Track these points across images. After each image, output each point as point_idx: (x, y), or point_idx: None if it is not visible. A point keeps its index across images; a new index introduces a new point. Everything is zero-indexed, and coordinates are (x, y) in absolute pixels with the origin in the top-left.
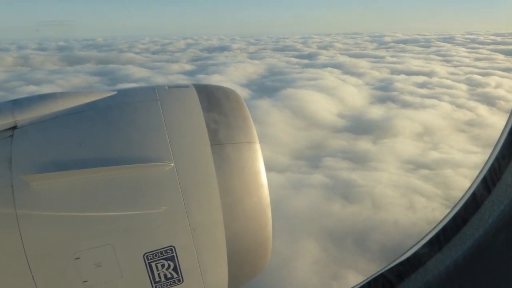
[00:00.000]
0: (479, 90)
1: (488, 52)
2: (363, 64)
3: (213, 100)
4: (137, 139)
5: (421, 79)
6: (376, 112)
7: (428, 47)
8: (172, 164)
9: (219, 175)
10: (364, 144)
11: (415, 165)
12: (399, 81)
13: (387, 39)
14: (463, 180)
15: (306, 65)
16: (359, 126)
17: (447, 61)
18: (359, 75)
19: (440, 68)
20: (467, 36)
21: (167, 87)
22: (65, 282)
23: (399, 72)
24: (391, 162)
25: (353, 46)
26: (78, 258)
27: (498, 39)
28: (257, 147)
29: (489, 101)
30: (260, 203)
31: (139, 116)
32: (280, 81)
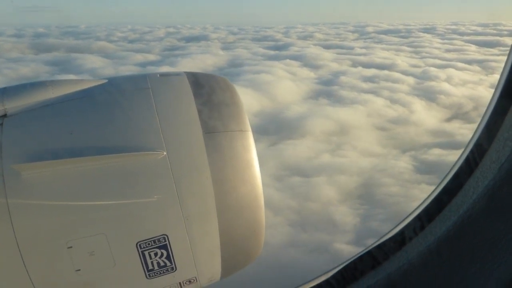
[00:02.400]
0: (426, 84)
1: (462, 43)
2: (326, 56)
3: (205, 88)
4: (129, 128)
5: (371, 72)
6: (298, 109)
7: (406, 37)
8: (164, 153)
9: (212, 163)
10: (258, 146)
11: (291, 172)
12: (348, 74)
13: (369, 29)
14: (329, 190)
15: (270, 57)
16: (270, 126)
17: (416, 53)
18: (316, 67)
19: (402, 60)
20: (448, 27)
21: (158, 75)
22: (58, 270)
23: (359, 65)
24: (267, 168)
25: (333, 37)
26: (71, 247)
27: (479, 29)
28: (249, 135)
29: (430, 95)
30: (253, 192)
31: (130, 105)
32: (228, 74)
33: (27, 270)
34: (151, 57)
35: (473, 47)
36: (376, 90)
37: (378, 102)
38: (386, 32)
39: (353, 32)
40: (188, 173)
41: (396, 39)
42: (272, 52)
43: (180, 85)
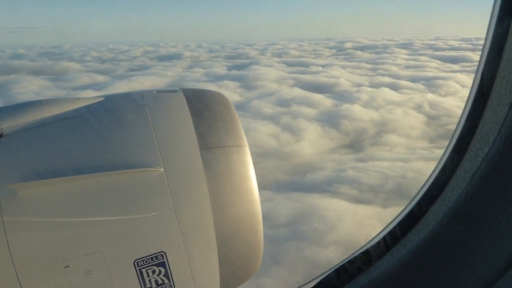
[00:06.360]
0: (341, 106)
1: (428, 58)
2: (272, 76)
3: (201, 103)
4: (126, 145)
5: (295, 93)
6: None
7: (379, 53)
8: (162, 169)
9: (209, 179)
10: None
11: None
12: (272, 96)
13: (348, 45)
14: None
15: (218, 77)
16: None
17: (373, 70)
18: (251, 88)
19: (346, 79)
20: (427, 42)
21: (154, 92)
22: None
23: (300, 85)
24: None
25: (308, 53)
26: (67, 266)
27: (456, 44)
28: (246, 150)
29: (335, 120)
30: (250, 207)
31: (127, 122)
32: None
33: None
34: (100, 78)
35: (435, 63)
36: (279, 115)
37: (264, 130)
38: (364, 48)
39: (331, 48)
40: (185, 189)
41: (368, 55)
42: (223, 72)
43: (176, 102)
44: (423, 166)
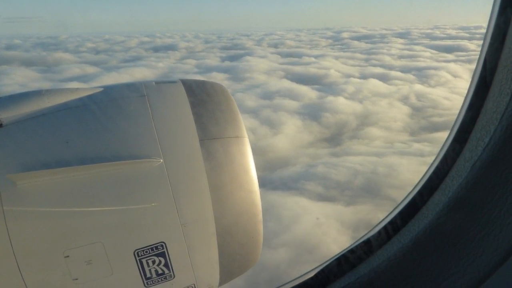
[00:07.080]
0: (325, 99)
1: (423, 48)
2: (262, 67)
3: (201, 94)
4: (125, 136)
5: (280, 86)
6: None
7: (375, 43)
8: (161, 160)
9: (209, 170)
10: None
11: None
12: (259, 88)
13: (345, 35)
14: None
15: (208, 69)
16: None
17: (366, 60)
18: (239, 80)
19: (336, 70)
20: (424, 31)
21: (154, 83)
22: (55, 280)
23: (290, 76)
24: None
25: (304, 43)
26: (68, 256)
27: (454, 33)
28: (246, 141)
29: (317, 113)
30: (250, 197)
31: (126, 112)
32: None
33: (23, 280)
34: (90, 70)
35: (429, 53)
36: (261, 108)
37: (247, 125)
38: (361, 38)
39: (328, 38)
40: (185, 180)
41: (364, 45)
42: (215, 63)
43: (176, 93)
44: (396, 161)
